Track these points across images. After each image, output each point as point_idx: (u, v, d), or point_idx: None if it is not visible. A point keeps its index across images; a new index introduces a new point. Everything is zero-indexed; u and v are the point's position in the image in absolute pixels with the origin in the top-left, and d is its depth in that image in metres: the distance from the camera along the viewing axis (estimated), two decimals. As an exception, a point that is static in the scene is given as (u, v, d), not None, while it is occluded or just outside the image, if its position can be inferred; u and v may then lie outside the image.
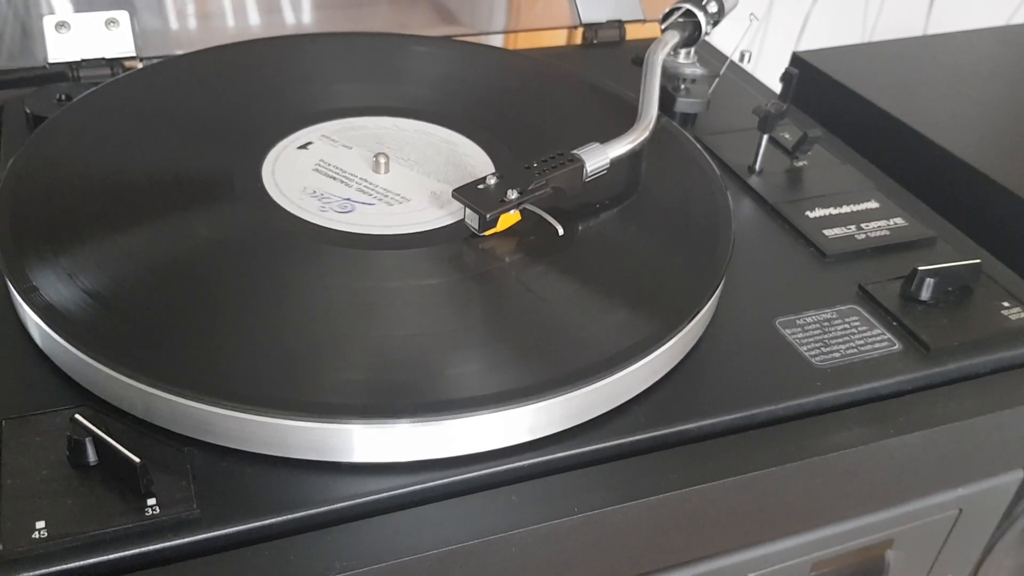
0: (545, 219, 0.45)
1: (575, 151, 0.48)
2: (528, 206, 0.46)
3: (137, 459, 0.34)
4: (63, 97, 0.57)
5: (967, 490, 0.49)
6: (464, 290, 0.44)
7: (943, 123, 0.66)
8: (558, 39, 0.78)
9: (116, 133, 0.52)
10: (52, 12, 0.63)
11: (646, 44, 0.60)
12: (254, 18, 0.73)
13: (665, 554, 0.41)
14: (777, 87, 0.69)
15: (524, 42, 0.78)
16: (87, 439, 0.35)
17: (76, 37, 0.62)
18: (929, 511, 0.49)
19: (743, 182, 0.57)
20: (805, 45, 1.14)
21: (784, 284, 0.49)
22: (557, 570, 0.38)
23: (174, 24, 0.69)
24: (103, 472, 0.35)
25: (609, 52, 0.73)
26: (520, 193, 0.45)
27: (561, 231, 0.45)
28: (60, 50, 0.62)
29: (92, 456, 0.35)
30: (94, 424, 0.35)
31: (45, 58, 0.61)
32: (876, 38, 1.22)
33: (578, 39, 0.74)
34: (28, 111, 0.56)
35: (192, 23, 0.70)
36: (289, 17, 0.74)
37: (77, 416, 0.36)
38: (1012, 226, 0.58)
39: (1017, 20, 1.27)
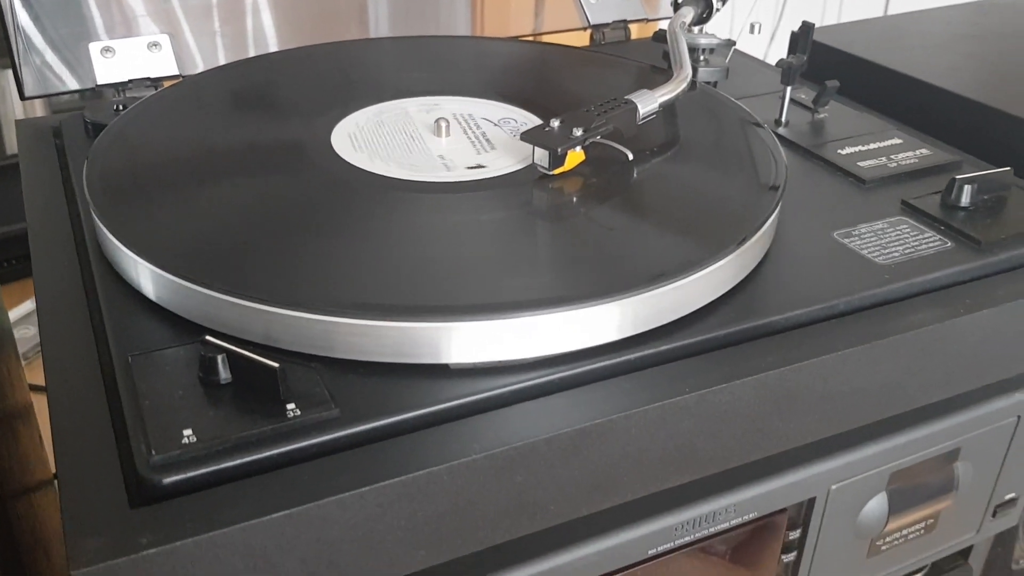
0: (614, 147, 0.48)
1: (627, 96, 0.51)
2: (595, 139, 0.48)
3: (275, 364, 0.35)
4: (119, 108, 0.59)
5: (1024, 395, 0.51)
6: (555, 217, 0.47)
7: (945, 75, 0.70)
8: (566, 41, 0.82)
9: (195, 117, 0.56)
10: (95, 39, 0.65)
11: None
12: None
13: (767, 441, 0.43)
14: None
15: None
16: (219, 356, 0.36)
17: (121, 61, 0.65)
18: (990, 418, 0.52)
19: (773, 133, 0.60)
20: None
21: (832, 207, 0.52)
22: (671, 455, 0.40)
23: (213, 46, 0.72)
24: (237, 388, 0.36)
25: (617, 51, 0.77)
26: (584, 131, 0.48)
27: (631, 156, 0.48)
28: (107, 73, 0.64)
29: (224, 374, 0.37)
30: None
31: (93, 79, 0.64)
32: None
33: (586, 40, 0.78)
34: (87, 120, 0.58)
35: (230, 44, 0.73)
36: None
37: (208, 337, 0.37)
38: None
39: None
